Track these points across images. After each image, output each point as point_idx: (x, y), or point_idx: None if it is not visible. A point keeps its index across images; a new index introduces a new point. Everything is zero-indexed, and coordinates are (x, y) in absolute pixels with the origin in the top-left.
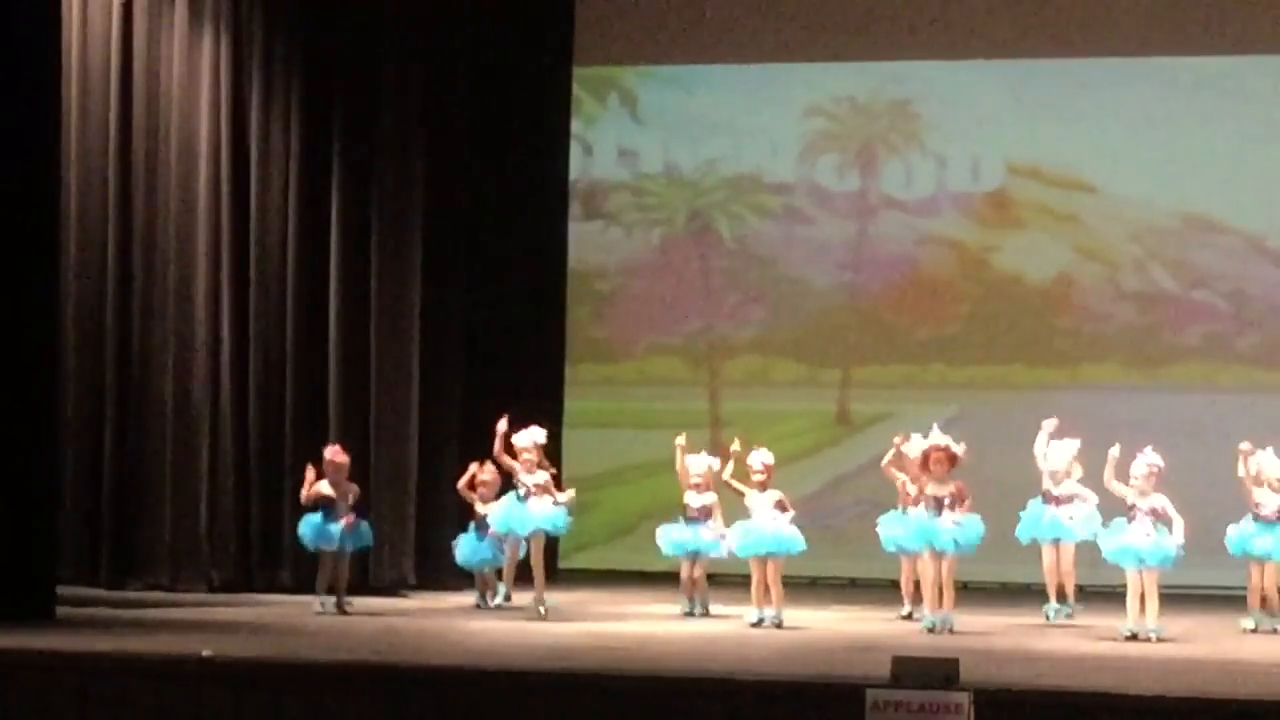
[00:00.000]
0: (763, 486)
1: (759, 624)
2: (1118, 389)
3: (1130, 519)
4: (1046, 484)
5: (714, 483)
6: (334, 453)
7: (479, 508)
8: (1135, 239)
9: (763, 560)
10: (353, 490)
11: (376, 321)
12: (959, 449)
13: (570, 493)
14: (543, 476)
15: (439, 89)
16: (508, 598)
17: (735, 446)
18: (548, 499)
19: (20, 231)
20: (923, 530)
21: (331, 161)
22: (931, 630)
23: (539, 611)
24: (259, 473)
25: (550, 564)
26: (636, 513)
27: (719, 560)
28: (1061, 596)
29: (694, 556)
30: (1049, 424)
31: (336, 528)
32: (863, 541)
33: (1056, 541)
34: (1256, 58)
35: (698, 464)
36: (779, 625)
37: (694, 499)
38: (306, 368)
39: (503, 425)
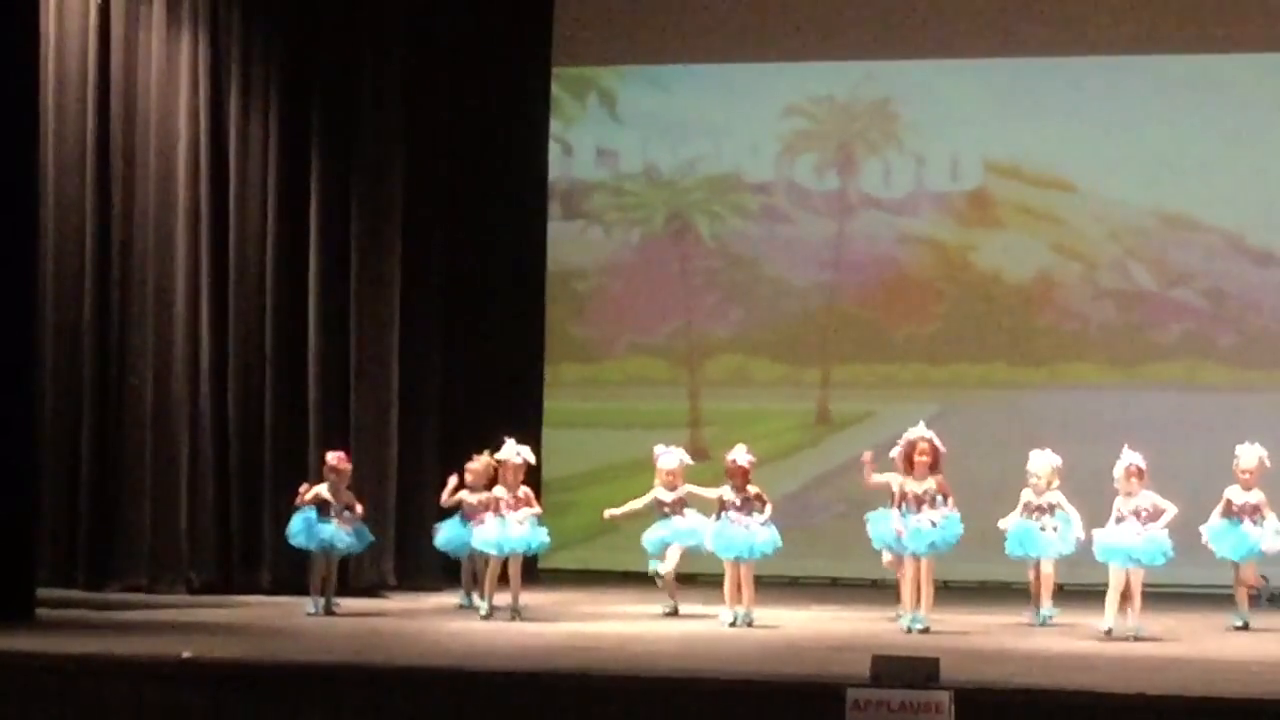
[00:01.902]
0: (743, 484)
1: (734, 624)
2: (1097, 388)
3: (1118, 521)
4: (1027, 496)
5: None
6: (338, 459)
7: (469, 498)
8: (1114, 237)
9: (735, 561)
10: (350, 499)
11: (356, 322)
12: (942, 446)
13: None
14: (523, 491)
15: (418, 89)
16: (490, 613)
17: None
18: (530, 517)
19: None
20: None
21: (310, 163)
22: (909, 631)
23: (514, 614)
24: (238, 474)
25: (530, 564)
26: None
27: (699, 559)
28: (1040, 603)
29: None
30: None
31: (327, 528)
32: (843, 541)
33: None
34: (1235, 56)
35: (668, 459)
36: (750, 624)
37: (666, 495)
38: (286, 368)
39: (454, 481)
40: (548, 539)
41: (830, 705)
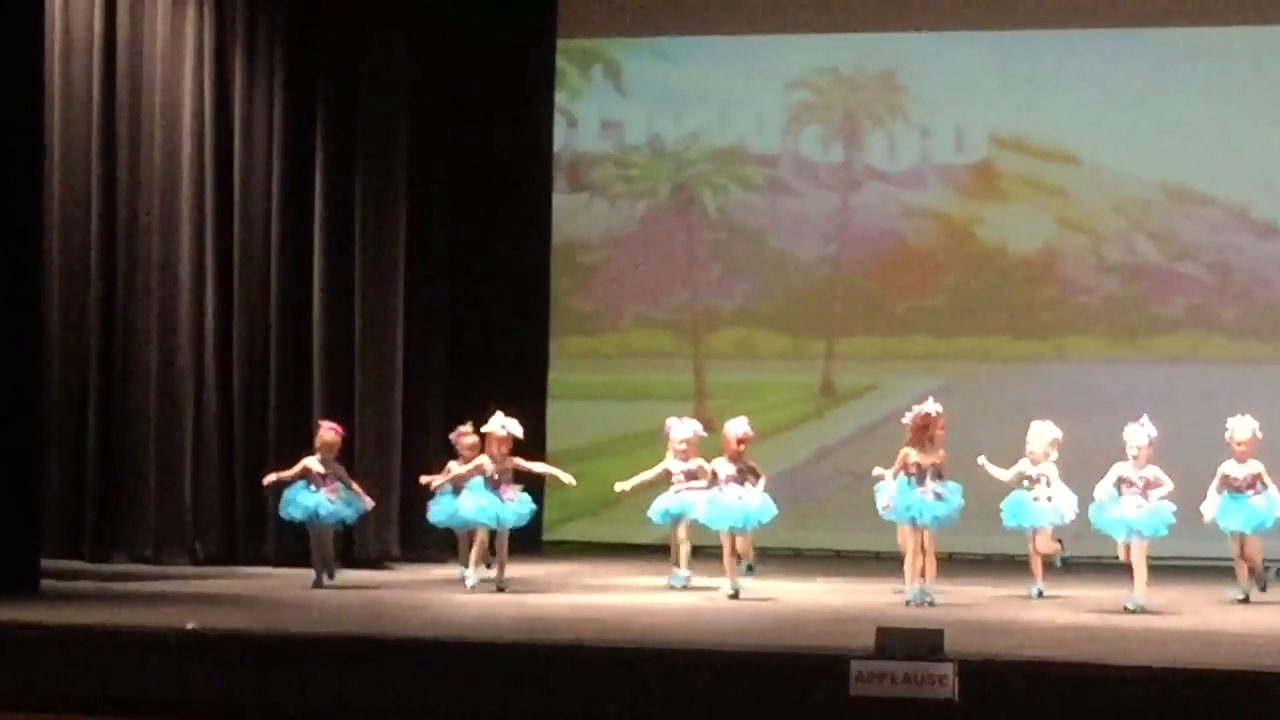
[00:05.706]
0: (737, 456)
1: (735, 596)
2: (1102, 360)
3: (1121, 491)
4: (1022, 466)
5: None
6: (328, 428)
7: (458, 469)
8: (1119, 211)
9: (730, 532)
10: (340, 471)
11: (360, 294)
12: None
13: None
14: (510, 462)
15: (423, 62)
16: (477, 584)
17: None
18: (516, 488)
19: (3, 205)
20: (905, 503)
21: (315, 136)
22: (908, 604)
23: (500, 587)
24: (243, 446)
25: (535, 537)
26: None
27: (705, 532)
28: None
29: (677, 520)
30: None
31: (312, 498)
32: (847, 513)
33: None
34: (1240, 29)
35: (681, 429)
36: (734, 595)
37: (678, 466)
38: (291, 341)
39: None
40: (533, 507)
41: (835, 677)
